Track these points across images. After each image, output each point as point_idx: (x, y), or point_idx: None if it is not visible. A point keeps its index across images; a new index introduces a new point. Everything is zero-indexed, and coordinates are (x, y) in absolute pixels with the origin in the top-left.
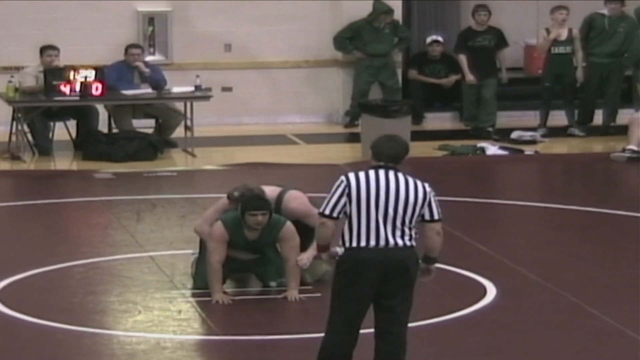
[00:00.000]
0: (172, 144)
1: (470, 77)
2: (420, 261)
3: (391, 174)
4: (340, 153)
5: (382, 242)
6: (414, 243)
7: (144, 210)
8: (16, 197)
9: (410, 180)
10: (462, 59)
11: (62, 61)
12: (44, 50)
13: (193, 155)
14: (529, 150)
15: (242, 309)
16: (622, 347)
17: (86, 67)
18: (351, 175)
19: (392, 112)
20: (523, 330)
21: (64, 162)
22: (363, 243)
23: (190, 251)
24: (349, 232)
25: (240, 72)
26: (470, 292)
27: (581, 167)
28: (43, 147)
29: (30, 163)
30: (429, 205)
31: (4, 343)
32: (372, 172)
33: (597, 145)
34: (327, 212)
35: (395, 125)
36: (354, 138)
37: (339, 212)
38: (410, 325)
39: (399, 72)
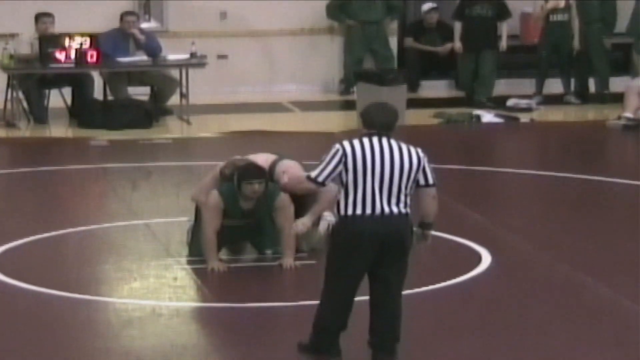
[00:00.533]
0: (168, 112)
1: (457, 45)
2: (415, 227)
3: (385, 141)
4: (335, 121)
5: (377, 211)
6: (408, 211)
7: (140, 178)
8: (11, 165)
9: (404, 147)
10: (457, 26)
11: (57, 29)
12: (38, 17)
13: (188, 123)
14: (524, 118)
15: (238, 277)
16: (617, 316)
17: (81, 35)
18: (346, 144)
19: (388, 80)
20: (517, 298)
21: (59, 130)
22: (359, 211)
23: (185, 219)
24: (344, 200)
25: (235, 40)
26: (465, 260)
27: (577, 135)
28: (38, 114)
29: (25, 131)
30: (424, 170)
31: (0, 311)
32: (366, 140)
33: (593, 113)
34: (320, 179)
35: (391, 93)
36: (349, 106)
37: (330, 180)
38: (405, 293)
39: (394, 40)
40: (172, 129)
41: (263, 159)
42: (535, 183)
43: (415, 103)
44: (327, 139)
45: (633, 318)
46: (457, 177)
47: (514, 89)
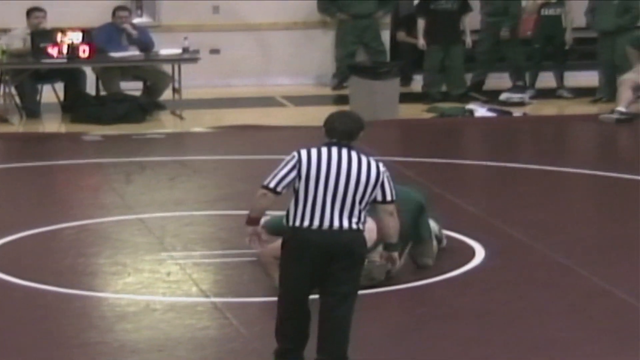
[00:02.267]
0: (161, 106)
1: (421, 43)
2: (382, 249)
3: (344, 151)
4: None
5: (326, 224)
6: (361, 227)
7: (134, 173)
8: (5, 160)
9: (364, 159)
10: (420, 23)
11: (49, 24)
12: (30, 12)
13: (181, 118)
14: (517, 112)
15: (231, 271)
16: (611, 308)
17: (74, 30)
18: (303, 151)
19: (381, 73)
20: (513, 291)
21: (52, 124)
22: (307, 223)
23: (178, 213)
24: (294, 210)
25: (228, 34)
26: (459, 254)
27: (570, 129)
28: (31, 109)
29: (18, 126)
30: (382, 185)
31: None
32: (324, 149)
33: (586, 107)
34: (272, 185)
35: (384, 87)
36: (342, 100)
37: (284, 187)
38: (400, 287)
39: (387, 33)
40: (165, 124)
41: None
42: (529, 177)
43: (408, 97)
44: (320, 134)
45: (628, 306)
46: (450, 171)
47: (507, 82)
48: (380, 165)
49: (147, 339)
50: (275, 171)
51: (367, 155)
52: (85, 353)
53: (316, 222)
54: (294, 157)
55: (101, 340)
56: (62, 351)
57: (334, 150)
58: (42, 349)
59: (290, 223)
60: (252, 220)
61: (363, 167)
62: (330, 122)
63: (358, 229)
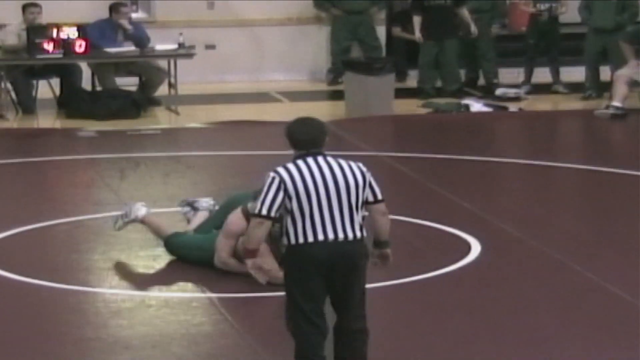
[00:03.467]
0: (156, 102)
1: (417, 35)
2: (373, 248)
3: (321, 160)
4: (323, 111)
5: (330, 235)
6: (364, 233)
7: (128, 169)
8: None
9: (344, 164)
10: (416, 20)
11: (44, 19)
12: (26, 7)
13: (177, 113)
14: (513, 107)
15: None
16: (605, 303)
17: (69, 25)
18: (282, 170)
19: (376, 69)
20: (507, 287)
21: (47, 120)
22: (311, 238)
23: (176, 209)
24: (293, 228)
25: (223, 29)
26: (454, 249)
27: (565, 124)
28: (26, 105)
29: (13, 121)
30: (370, 186)
31: None
32: (301, 163)
33: (581, 102)
34: (264, 212)
35: (379, 83)
36: (337, 96)
37: (277, 211)
38: (394, 282)
39: (382, 29)
40: (160, 119)
41: None
42: (524, 172)
43: (403, 92)
44: None
45: (621, 301)
46: (446, 166)
47: (503, 77)
48: (361, 165)
49: (142, 335)
50: (262, 197)
51: (345, 159)
52: (79, 349)
53: (320, 236)
54: (274, 178)
55: (95, 336)
56: (56, 347)
57: (311, 161)
58: (36, 345)
59: (293, 241)
60: (251, 253)
61: (347, 171)
62: (292, 134)
63: (361, 237)
